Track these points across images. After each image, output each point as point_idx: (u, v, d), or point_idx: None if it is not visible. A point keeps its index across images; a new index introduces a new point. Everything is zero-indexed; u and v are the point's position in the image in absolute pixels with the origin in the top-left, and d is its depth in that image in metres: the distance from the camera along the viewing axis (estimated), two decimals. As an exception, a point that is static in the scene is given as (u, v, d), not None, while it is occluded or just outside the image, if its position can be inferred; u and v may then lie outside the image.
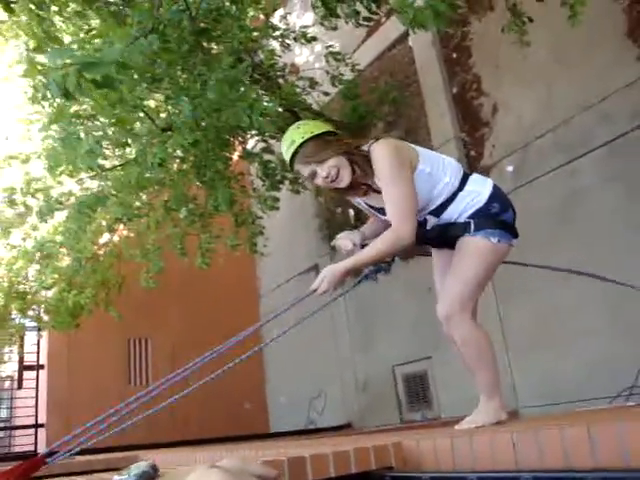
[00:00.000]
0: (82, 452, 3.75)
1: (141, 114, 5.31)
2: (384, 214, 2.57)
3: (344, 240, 2.76)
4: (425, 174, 2.48)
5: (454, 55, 6.72)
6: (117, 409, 1.99)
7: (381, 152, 2.44)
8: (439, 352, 6.21)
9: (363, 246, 2.70)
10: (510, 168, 5.84)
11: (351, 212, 7.75)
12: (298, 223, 9.02)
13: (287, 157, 2.55)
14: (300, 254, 8.97)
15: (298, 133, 2.50)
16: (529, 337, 5.38)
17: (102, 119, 5.24)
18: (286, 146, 2.53)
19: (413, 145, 2.61)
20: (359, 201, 2.76)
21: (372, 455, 1.42)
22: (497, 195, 2.57)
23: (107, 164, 5.92)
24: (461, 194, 2.54)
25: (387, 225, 2.55)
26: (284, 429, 8.09)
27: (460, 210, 2.54)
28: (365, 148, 2.53)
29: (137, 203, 6.52)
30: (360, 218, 7.39)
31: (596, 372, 4.84)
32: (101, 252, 7.57)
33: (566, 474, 0.97)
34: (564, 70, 5.49)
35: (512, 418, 2.70)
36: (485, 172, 5.99)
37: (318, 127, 2.54)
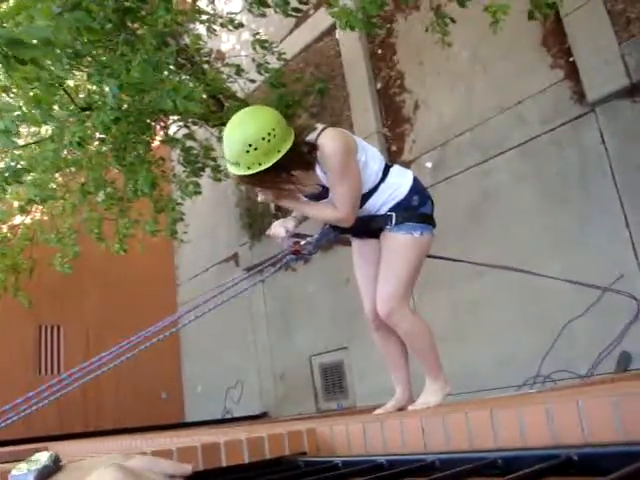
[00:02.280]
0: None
1: (60, 92, 5.10)
2: (317, 199, 2.62)
3: (277, 228, 2.78)
4: (362, 162, 2.52)
5: (379, 51, 6.82)
6: (26, 398, 1.92)
7: (331, 148, 2.40)
8: (355, 342, 6.32)
9: (296, 235, 2.75)
10: (429, 164, 6.01)
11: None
12: (219, 211, 8.93)
13: (226, 161, 2.43)
14: (220, 243, 8.89)
15: (246, 159, 2.30)
16: (442, 329, 5.54)
17: (17, 95, 5.01)
18: (230, 156, 2.35)
19: (350, 133, 2.62)
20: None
21: (286, 441, 1.44)
22: (417, 188, 2.64)
23: (21, 142, 5.66)
24: (382, 186, 2.59)
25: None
26: (200, 419, 8.02)
27: (382, 202, 2.60)
28: (311, 139, 2.46)
29: (52, 185, 6.27)
30: (281, 208, 7.40)
31: (505, 362, 5.07)
32: (12, 235, 7.24)
33: (468, 455, 1.03)
34: (484, 72, 5.69)
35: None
36: (405, 167, 6.11)
37: (269, 154, 2.31)
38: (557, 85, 5.13)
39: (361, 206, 2.60)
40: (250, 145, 2.27)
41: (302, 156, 2.42)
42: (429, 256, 2.83)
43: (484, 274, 5.27)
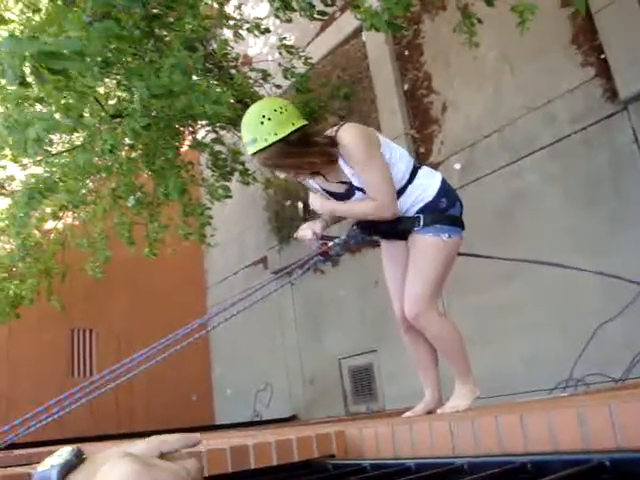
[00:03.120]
0: (22, 445, 3.66)
1: (91, 100, 5.19)
2: (340, 198, 2.62)
3: (305, 230, 2.79)
4: (385, 159, 2.51)
5: (406, 52, 6.80)
6: (59, 399, 1.95)
7: (351, 138, 2.44)
8: (384, 345, 6.30)
9: (324, 237, 2.74)
10: (457, 166, 5.96)
11: (300, 205, 7.76)
12: (247, 215, 8.98)
13: (245, 146, 2.49)
14: (249, 246, 8.94)
15: (262, 130, 2.36)
16: (471, 333, 5.49)
17: (48, 104, 5.11)
18: (247, 135, 2.43)
19: (374, 130, 2.64)
20: (317, 188, 2.76)
21: (314, 443, 1.45)
22: (445, 189, 2.63)
23: (53, 150, 5.77)
24: (411, 186, 2.58)
25: None
26: (230, 421, 8.06)
27: (410, 203, 2.58)
28: (330, 133, 2.51)
29: (83, 190, 6.38)
30: (309, 212, 7.41)
31: (536, 366, 5.00)
32: (45, 240, 7.38)
33: (497, 458, 1.02)
34: (512, 72, 5.63)
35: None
36: (433, 169, 6.08)
37: (283, 124, 2.38)
38: (588, 83, 5.05)
39: None
40: (264, 116, 2.36)
41: (318, 144, 2.46)
42: (462, 254, 2.81)
43: (513, 278, 5.21)
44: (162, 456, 0.62)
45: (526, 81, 5.49)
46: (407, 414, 2.71)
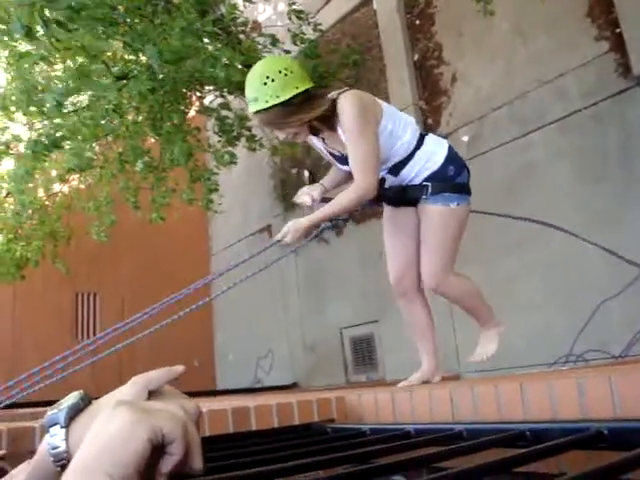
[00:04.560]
0: (27, 405, 3.71)
1: (99, 62, 5.15)
2: (344, 163, 2.61)
3: (304, 196, 2.78)
4: (387, 131, 2.49)
5: (417, 22, 6.70)
6: (64, 356, 1.97)
7: (348, 106, 2.41)
8: (386, 316, 6.32)
9: (323, 199, 2.72)
10: (465, 138, 5.92)
11: (306, 173, 7.73)
12: (253, 182, 8.95)
13: (248, 105, 2.48)
14: (253, 214, 8.93)
15: (264, 91, 2.36)
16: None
17: (61, 70, 5.09)
18: (250, 93, 2.42)
19: (378, 100, 2.60)
20: (320, 148, 2.74)
21: (315, 408, 1.46)
22: (452, 157, 2.62)
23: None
24: (418, 153, 2.56)
25: (347, 175, 2.61)
26: (231, 387, 8.15)
27: (417, 170, 2.57)
28: (332, 96, 2.49)
29: (89, 154, 6.36)
30: (315, 180, 7.38)
31: (536, 340, 5.02)
32: (50, 203, 7.39)
33: (496, 426, 1.03)
34: (525, 44, 5.54)
35: (453, 380, 2.82)
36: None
37: (286, 87, 2.37)
38: (601, 58, 4.97)
39: (396, 174, 2.59)
40: (267, 77, 2.35)
41: (320, 107, 2.43)
42: (475, 211, 2.83)
43: (517, 252, 5.21)
44: (152, 394, 0.62)
45: (539, 53, 5.41)
46: (402, 383, 2.71)
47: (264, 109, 2.38)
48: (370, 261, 6.47)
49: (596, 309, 4.71)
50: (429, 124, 6.33)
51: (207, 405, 1.89)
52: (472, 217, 2.77)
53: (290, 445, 1.11)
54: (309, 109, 2.44)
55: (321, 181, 2.85)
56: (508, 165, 5.51)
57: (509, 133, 5.53)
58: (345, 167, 2.63)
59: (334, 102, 2.45)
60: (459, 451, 0.90)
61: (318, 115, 2.46)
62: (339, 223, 2.84)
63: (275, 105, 2.36)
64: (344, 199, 2.49)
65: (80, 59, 4.50)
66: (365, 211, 6.09)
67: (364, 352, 6.93)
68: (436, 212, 2.57)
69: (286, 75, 2.36)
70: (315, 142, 2.73)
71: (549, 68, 5.28)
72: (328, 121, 2.49)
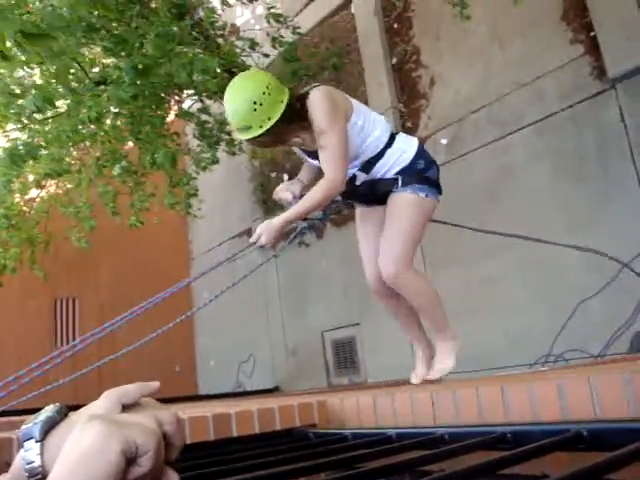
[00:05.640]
0: (4, 414, 3.65)
1: (75, 66, 5.09)
2: (314, 158, 2.62)
3: (284, 193, 2.78)
4: (357, 127, 2.52)
5: (395, 25, 6.72)
6: (41, 363, 1.94)
7: (318, 100, 2.43)
8: (367, 318, 6.34)
9: (302, 196, 2.71)
10: (444, 141, 5.95)
11: (285, 177, 7.73)
12: (232, 186, 8.92)
13: (237, 132, 2.48)
14: (234, 217, 8.90)
15: (256, 117, 2.36)
16: (455, 306, 5.54)
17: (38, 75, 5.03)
18: (240, 122, 2.41)
19: (349, 97, 2.63)
20: (299, 151, 2.77)
21: (297, 413, 1.46)
22: (422, 153, 2.66)
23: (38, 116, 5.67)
24: (389, 151, 2.59)
25: (319, 169, 2.61)
26: (213, 392, 8.11)
27: (388, 166, 2.60)
28: (302, 92, 2.51)
29: (67, 159, 6.29)
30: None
31: (518, 341, 5.06)
32: (28, 209, 7.29)
33: (477, 429, 1.03)
34: (501, 47, 5.59)
35: (435, 382, 2.83)
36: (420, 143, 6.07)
37: (274, 106, 2.38)
38: (577, 61, 5.03)
39: (367, 172, 2.62)
40: (255, 102, 2.35)
41: (298, 111, 2.45)
42: (435, 221, 2.83)
43: (498, 252, 5.24)
44: (126, 408, 0.61)
45: (516, 57, 5.46)
46: (413, 381, 2.75)
47: (263, 133, 2.40)
48: (351, 264, 6.46)
49: (575, 309, 4.75)
50: (408, 127, 6.36)
51: (188, 412, 1.88)
52: (453, 218, 2.78)
53: (271, 451, 1.10)
54: (300, 110, 2.46)
55: (298, 177, 2.86)
56: (487, 167, 5.55)
57: (488, 135, 5.58)
58: (316, 162, 2.64)
59: (305, 96, 2.47)
60: (442, 455, 0.90)
61: (304, 121, 2.47)
62: (315, 223, 2.83)
63: (270, 127, 2.38)
64: (314, 194, 2.50)
65: (55, 64, 4.44)
66: (345, 214, 6.10)
67: (346, 355, 6.93)
68: (404, 199, 2.59)
69: (270, 94, 2.37)
70: (295, 146, 2.75)
71: (526, 71, 5.33)
72: (302, 119, 2.50)
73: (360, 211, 2.88)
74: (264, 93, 2.36)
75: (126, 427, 0.53)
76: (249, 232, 8.39)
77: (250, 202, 8.53)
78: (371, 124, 2.57)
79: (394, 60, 6.67)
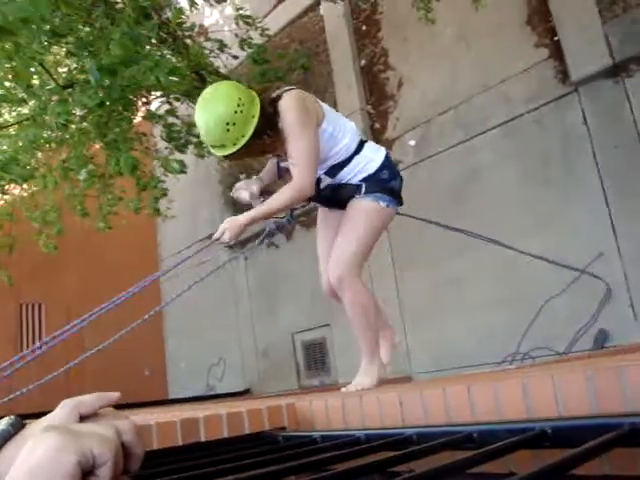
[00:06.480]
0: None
1: (39, 68, 4.99)
2: (284, 161, 2.65)
3: (242, 191, 2.78)
4: (327, 133, 2.54)
5: (364, 27, 6.76)
6: (1, 367, 1.90)
7: (288, 105, 2.44)
8: (337, 319, 6.35)
9: (262, 193, 2.73)
10: (412, 142, 6.00)
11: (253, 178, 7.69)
12: (201, 188, 8.87)
13: (211, 148, 2.49)
14: (203, 219, 8.84)
15: (230, 137, 2.37)
16: (424, 305, 5.60)
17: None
18: (214, 141, 2.41)
19: (321, 102, 2.65)
20: (273, 161, 2.79)
21: (265, 416, 1.45)
22: (388, 163, 2.69)
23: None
24: (356, 157, 2.62)
25: (285, 170, 2.65)
26: (183, 396, 8.04)
27: (354, 173, 2.63)
28: (273, 95, 2.52)
29: (32, 163, 6.16)
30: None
31: (485, 340, 5.13)
32: (-10, 213, 7.13)
33: (445, 429, 1.04)
34: (468, 50, 5.66)
35: (405, 382, 2.85)
36: (388, 145, 6.12)
37: (246, 123, 2.38)
38: (541, 64, 5.13)
39: (333, 176, 2.64)
40: (227, 123, 2.35)
41: (270, 118, 2.45)
42: (401, 214, 2.86)
43: (465, 252, 5.30)
44: (84, 419, 0.59)
45: (482, 60, 5.54)
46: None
47: (237, 150, 2.41)
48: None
49: (541, 307, 4.84)
50: (376, 128, 6.40)
51: (155, 417, 1.86)
52: (422, 216, 2.81)
53: (240, 456, 1.10)
54: (273, 116, 2.46)
55: (261, 174, 2.87)
56: (454, 168, 5.61)
57: (455, 137, 5.64)
58: (285, 164, 2.65)
59: (277, 100, 2.48)
60: (410, 456, 0.91)
61: (277, 131, 2.48)
62: (283, 224, 2.85)
63: (245, 143, 2.39)
64: (281, 196, 2.51)
65: (14, 63, 4.33)
66: (314, 215, 6.10)
67: (316, 356, 6.93)
68: (364, 205, 2.62)
69: (242, 112, 2.36)
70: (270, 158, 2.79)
71: (492, 74, 5.41)
72: (275, 125, 2.50)
73: (322, 212, 2.91)
74: (236, 112, 2.35)
75: (82, 437, 0.52)
76: (218, 234, 8.34)
77: (219, 204, 8.48)
78: (341, 130, 2.59)
79: (363, 62, 6.71)
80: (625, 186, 4.55)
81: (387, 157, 2.70)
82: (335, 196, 2.70)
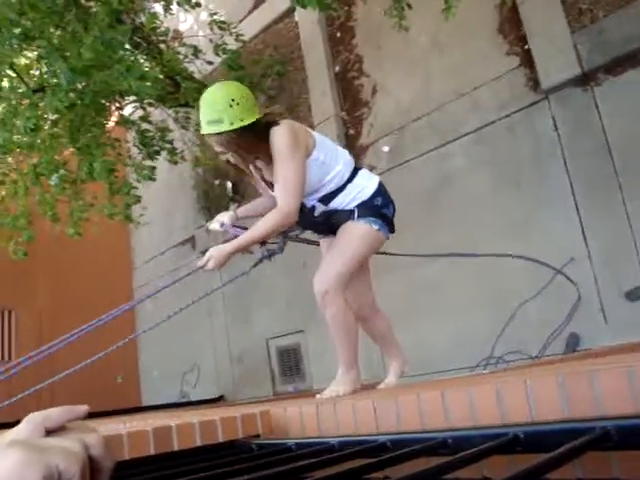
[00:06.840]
0: None
1: (9, 72, 4.91)
2: (272, 188, 2.66)
3: (215, 222, 2.90)
4: (319, 162, 2.58)
5: (338, 34, 6.79)
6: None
7: (279, 134, 2.48)
8: (312, 326, 6.34)
9: (235, 226, 2.84)
10: (386, 148, 6.03)
11: (229, 184, 7.67)
12: (175, 194, 8.80)
13: (206, 124, 2.50)
14: (177, 225, 8.77)
15: (230, 113, 2.42)
16: (397, 310, 5.61)
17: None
18: (212, 114, 2.46)
19: (312, 131, 2.70)
20: (257, 177, 2.81)
21: (239, 423, 1.44)
22: (381, 191, 2.74)
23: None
24: (350, 185, 2.67)
25: (268, 203, 2.72)
26: (157, 403, 7.95)
27: (347, 201, 2.68)
28: (270, 120, 2.56)
29: (3, 168, 6.06)
30: (238, 191, 7.34)
31: (460, 344, 5.16)
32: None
33: (419, 435, 1.04)
34: (441, 58, 5.72)
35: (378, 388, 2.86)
36: (362, 151, 6.15)
37: (249, 112, 2.46)
38: (513, 72, 5.20)
39: (327, 204, 2.69)
40: (233, 100, 2.43)
41: (263, 133, 2.50)
42: (381, 253, 2.91)
43: (440, 258, 5.34)
44: (50, 433, 0.57)
45: (455, 67, 5.59)
46: (381, 386, 2.87)
47: (227, 131, 2.44)
48: (295, 271, 6.47)
49: (515, 311, 4.89)
50: (350, 135, 6.42)
51: (127, 426, 1.83)
52: (396, 224, 2.84)
53: (213, 465, 1.09)
54: (264, 136, 2.51)
55: (238, 210, 2.98)
56: (428, 174, 5.65)
57: (428, 143, 5.69)
58: (271, 192, 2.70)
59: (270, 125, 2.52)
60: (385, 462, 0.91)
61: (262, 146, 2.53)
62: (275, 251, 2.91)
63: (239, 128, 2.43)
64: (266, 222, 2.54)
65: None
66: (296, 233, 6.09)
67: (291, 362, 6.92)
68: (356, 228, 2.66)
69: (248, 101, 2.46)
70: (254, 171, 2.80)
71: (465, 81, 5.47)
72: (263, 146, 2.54)
73: (324, 245, 2.97)
74: (243, 97, 2.45)
75: (47, 452, 0.50)
76: (192, 240, 8.29)
77: (194, 210, 8.43)
78: (333, 159, 2.64)
79: (337, 68, 6.73)
80: (595, 192, 4.63)
81: (380, 184, 2.75)
82: (328, 222, 2.74)
